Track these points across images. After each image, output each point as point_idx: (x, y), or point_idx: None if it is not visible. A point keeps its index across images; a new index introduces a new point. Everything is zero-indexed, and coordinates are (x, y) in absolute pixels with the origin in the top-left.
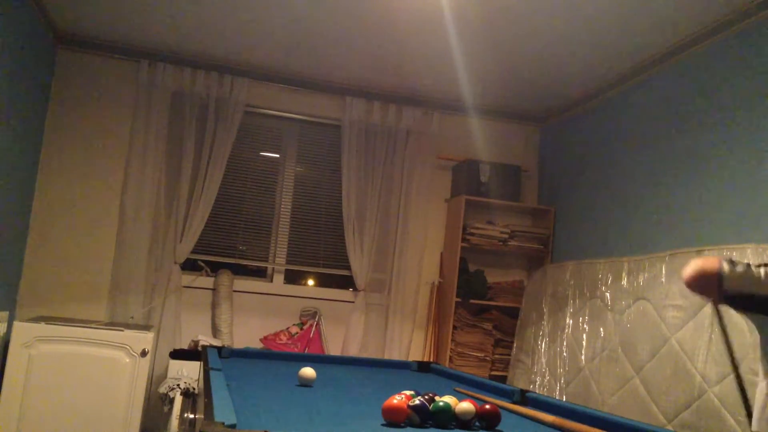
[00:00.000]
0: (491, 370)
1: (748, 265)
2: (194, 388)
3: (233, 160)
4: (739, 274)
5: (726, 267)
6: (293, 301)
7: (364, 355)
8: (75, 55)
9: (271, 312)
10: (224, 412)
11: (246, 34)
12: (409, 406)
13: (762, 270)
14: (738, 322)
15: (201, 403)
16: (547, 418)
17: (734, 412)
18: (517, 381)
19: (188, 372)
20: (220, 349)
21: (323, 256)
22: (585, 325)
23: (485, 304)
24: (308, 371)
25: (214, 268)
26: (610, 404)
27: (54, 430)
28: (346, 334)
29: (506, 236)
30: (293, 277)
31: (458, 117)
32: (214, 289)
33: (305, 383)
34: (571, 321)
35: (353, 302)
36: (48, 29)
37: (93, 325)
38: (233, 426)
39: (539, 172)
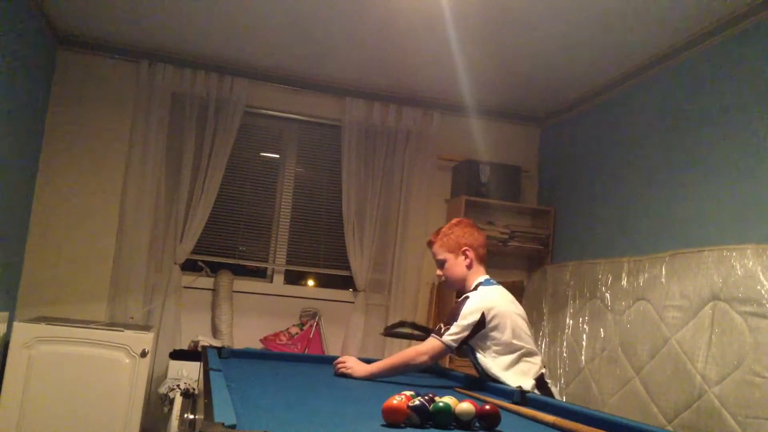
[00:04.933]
0: None
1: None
2: (194, 389)
3: (233, 161)
4: (455, 334)
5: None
6: (293, 302)
7: (364, 355)
8: (75, 55)
9: (271, 312)
10: (224, 412)
11: (246, 34)
12: (409, 406)
13: (462, 322)
14: (738, 323)
15: (201, 403)
16: (547, 418)
17: (734, 412)
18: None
19: (188, 372)
20: (219, 350)
21: (323, 256)
22: (585, 326)
23: None
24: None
25: (214, 269)
26: (610, 404)
27: (54, 430)
28: (346, 334)
29: (506, 236)
30: (293, 278)
31: (458, 117)
32: (214, 290)
33: None
34: (571, 321)
35: (353, 302)
36: (48, 29)
37: (93, 326)
38: (233, 426)
39: (539, 172)
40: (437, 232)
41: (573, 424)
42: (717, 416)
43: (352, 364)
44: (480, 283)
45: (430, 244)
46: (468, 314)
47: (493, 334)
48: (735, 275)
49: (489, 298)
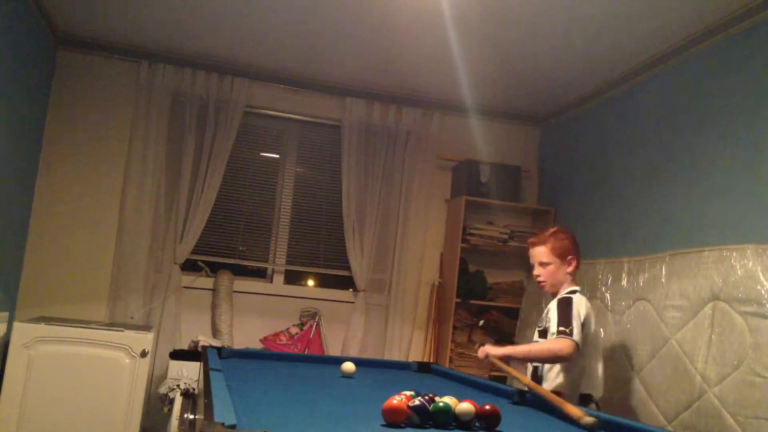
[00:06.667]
0: (491, 370)
1: (575, 326)
2: (194, 389)
3: (233, 161)
4: (578, 334)
5: (576, 335)
6: (293, 302)
7: (364, 355)
8: (75, 55)
9: (271, 312)
10: (224, 412)
11: (246, 34)
12: (409, 406)
13: (576, 322)
14: (738, 323)
15: (201, 403)
16: (525, 379)
17: (734, 412)
18: (517, 382)
19: (188, 372)
20: (219, 350)
21: (323, 256)
22: None
23: (485, 305)
24: (348, 365)
25: (214, 269)
26: (611, 404)
27: (54, 430)
28: (346, 334)
29: (506, 237)
30: (293, 278)
31: (458, 117)
32: (213, 290)
33: (346, 375)
34: None
35: (353, 303)
36: (48, 29)
37: (93, 326)
38: (233, 426)
39: (539, 172)
40: (544, 235)
41: (544, 390)
42: (717, 416)
43: (488, 348)
44: (576, 291)
45: (535, 244)
46: (578, 315)
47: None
48: (735, 275)
49: (587, 308)
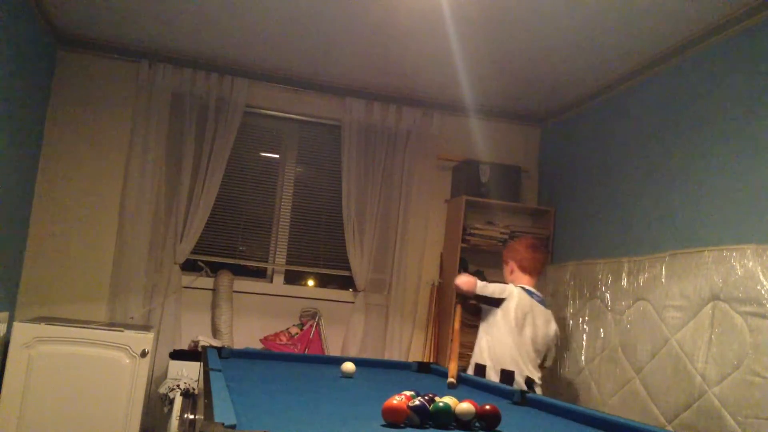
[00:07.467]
0: None
1: (486, 283)
2: (194, 389)
3: (233, 161)
4: (483, 287)
5: (479, 284)
6: (293, 302)
7: (364, 355)
8: (75, 56)
9: (271, 312)
10: (224, 412)
11: (246, 34)
12: (408, 406)
13: (491, 285)
14: (738, 323)
15: (201, 403)
16: (456, 326)
17: (734, 412)
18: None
19: (188, 372)
20: (220, 350)
21: (323, 256)
22: (585, 326)
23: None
24: (348, 366)
25: (214, 269)
26: (610, 404)
27: (54, 430)
28: (346, 334)
29: (506, 237)
30: (293, 278)
31: (458, 117)
32: (214, 290)
33: (347, 376)
34: (571, 321)
35: (353, 303)
36: (48, 29)
37: (93, 326)
38: (233, 426)
39: (539, 173)
40: None
41: (454, 347)
42: (717, 416)
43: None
44: (520, 286)
45: None
46: (499, 287)
47: (496, 313)
48: (735, 275)
49: (510, 294)
